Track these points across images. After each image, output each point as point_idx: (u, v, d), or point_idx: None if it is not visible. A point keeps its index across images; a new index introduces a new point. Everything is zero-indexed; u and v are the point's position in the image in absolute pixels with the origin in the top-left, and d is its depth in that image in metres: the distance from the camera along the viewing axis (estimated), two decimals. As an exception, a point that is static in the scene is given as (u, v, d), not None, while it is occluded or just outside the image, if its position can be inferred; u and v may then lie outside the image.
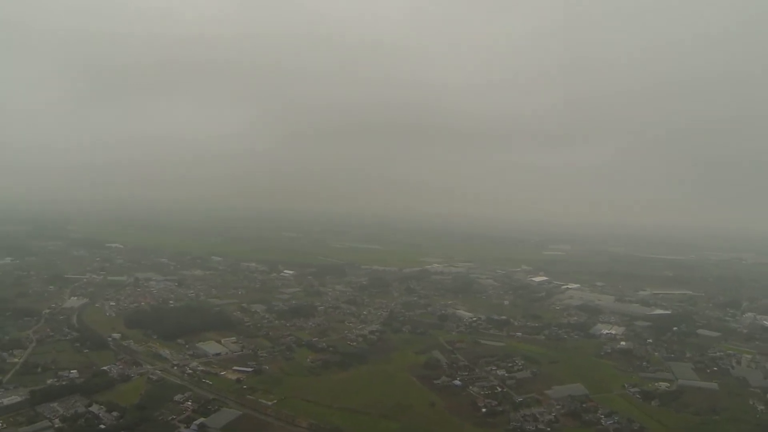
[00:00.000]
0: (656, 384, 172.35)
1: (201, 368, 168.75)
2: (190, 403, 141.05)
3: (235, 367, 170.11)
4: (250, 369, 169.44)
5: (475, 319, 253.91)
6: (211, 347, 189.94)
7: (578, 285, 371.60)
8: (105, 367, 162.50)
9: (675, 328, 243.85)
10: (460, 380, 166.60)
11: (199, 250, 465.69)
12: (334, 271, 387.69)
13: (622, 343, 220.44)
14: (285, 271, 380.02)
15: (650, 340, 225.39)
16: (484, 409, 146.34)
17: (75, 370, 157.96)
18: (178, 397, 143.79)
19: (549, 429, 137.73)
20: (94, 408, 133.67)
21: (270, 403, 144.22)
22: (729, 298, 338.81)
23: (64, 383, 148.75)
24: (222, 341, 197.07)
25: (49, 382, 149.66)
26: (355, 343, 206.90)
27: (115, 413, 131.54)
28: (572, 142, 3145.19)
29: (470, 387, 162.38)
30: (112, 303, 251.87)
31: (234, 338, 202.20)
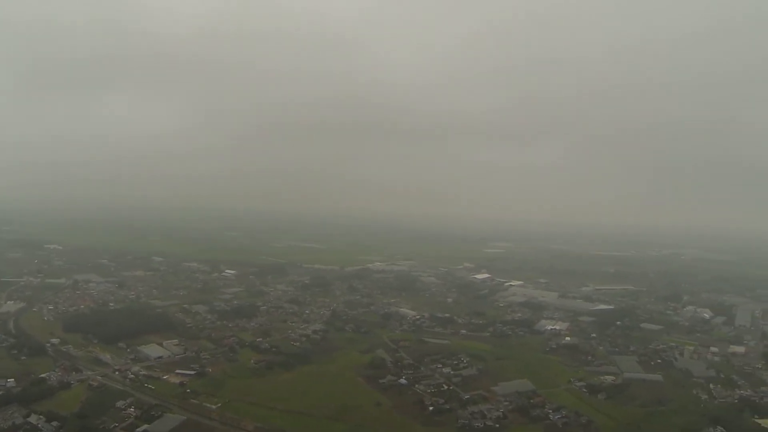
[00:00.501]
0: (602, 378, 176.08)
1: (143, 372, 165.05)
2: (132, 409, 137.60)
3: (177, 371, 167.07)
4: (193, 372, 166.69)
5: (418, 317, 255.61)
6: (152, 350, 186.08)
7: (521, 282, 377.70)
8: (43, 375, 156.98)
9: (618, 323, 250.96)
10: (405, 379, 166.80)
11: (140, 251, 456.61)
12: (276, 271, 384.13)
13: (567, 338, 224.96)
14: (227, 270, 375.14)
15: (594, 335, 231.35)
16: (431, 408, 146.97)
17: (12, 379, 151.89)
18: (120, 404, 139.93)
19: (497, 425, 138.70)
20: (33, 418, 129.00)
21: (214, 406, 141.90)
22: (670, 292, 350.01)
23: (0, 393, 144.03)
24: (164, 344, 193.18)
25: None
26: (298, 343, 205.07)
27: (55, 423, 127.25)
28: (527, 140, 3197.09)
29: (416, 385, 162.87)
30: (51, 307, 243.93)
31: (176, 340, 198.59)
